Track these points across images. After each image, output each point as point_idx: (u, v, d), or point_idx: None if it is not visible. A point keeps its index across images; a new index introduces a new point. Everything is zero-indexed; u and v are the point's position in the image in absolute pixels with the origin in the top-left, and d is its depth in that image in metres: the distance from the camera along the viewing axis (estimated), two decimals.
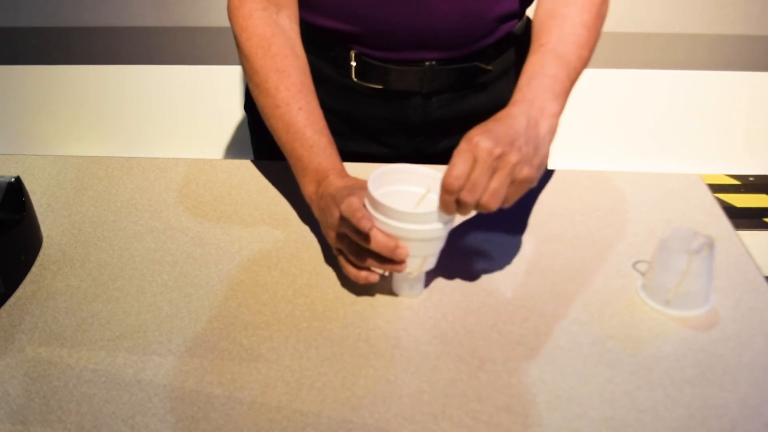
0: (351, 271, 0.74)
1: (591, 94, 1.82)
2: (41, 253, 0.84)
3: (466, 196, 0.67)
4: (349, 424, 0.63)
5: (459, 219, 0.73)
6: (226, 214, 0.91)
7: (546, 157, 0.73)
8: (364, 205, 0.71)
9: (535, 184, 0.71)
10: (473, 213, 0.72)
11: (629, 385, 0.67)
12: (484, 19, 0.94)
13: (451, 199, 0.68)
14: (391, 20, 0.92)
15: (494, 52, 0.99)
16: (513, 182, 0.69)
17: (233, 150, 1.93)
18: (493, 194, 0.68)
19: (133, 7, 1.75)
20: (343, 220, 0.72)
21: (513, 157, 0.68)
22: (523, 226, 0.88)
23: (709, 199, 0.94)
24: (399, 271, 0.72)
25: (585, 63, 0.84)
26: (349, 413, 0.64)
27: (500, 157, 0.68)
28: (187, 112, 1.89)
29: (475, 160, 0.67)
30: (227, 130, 1.92)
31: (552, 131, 0.75)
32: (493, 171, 0.68)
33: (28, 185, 0.95)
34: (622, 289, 0.78)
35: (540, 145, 0.72)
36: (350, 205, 0.70)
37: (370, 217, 0.69)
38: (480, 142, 0.67)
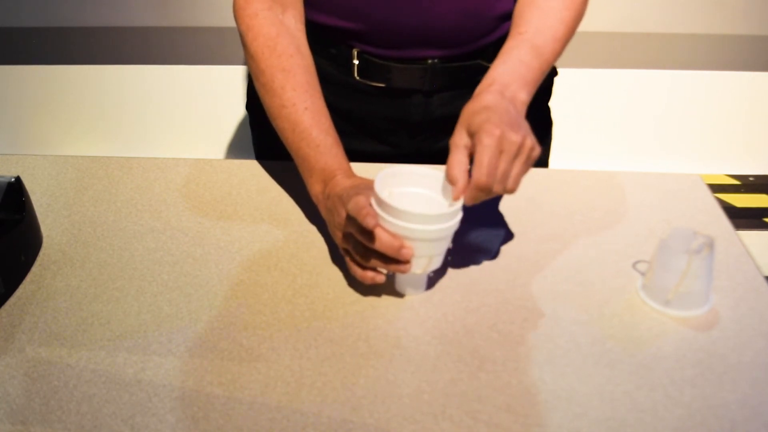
0: (357, 271, 0.74)
1: (591, 94, 1.82)
2: (41, 253, 0.84)
3: (498, 188, 0.71)
4: (349, 424, 0.63)
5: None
6: (226, 214, 0.91)
7: None
8: (371, 205, 0.71)
9: None
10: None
11: (629, 385, 0.67)
12: (484, 18, 0.94)
13: (483, 195, 0.71)
14: (394, 18, 0.92)
15: (496, 50, 0.99)
16: (527, 162, 0.73)
17: (234, 150, 1.93)
18: (517, 179, 0.72)
19: (133, 7, 1.75)
20: (350, 219, 0.72)
21: (529, 141, 0.72)
22: (523, 227, 0.88)
23: (709, 199, 0.94)
24: (404, 272, 0.72)
25: (557, 57, 0.87)
26: (349, 413, 0.64)
27: (522, 145, 0.71)
28: (187, 112, 1.89)
29: (501, 152, 0.70)
30: (228, 130, 1.92)
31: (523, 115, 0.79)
32: (515, 158, 0.71)
33: (28, 185, 0.95)
34: (622, 289, 0.78)
35: (528, 125, 0.76)
36: (357, 203, 0.70)
37: (376, 215, 0.69)
38: (506, 133, 0.70)
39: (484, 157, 0.69)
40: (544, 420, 0.63)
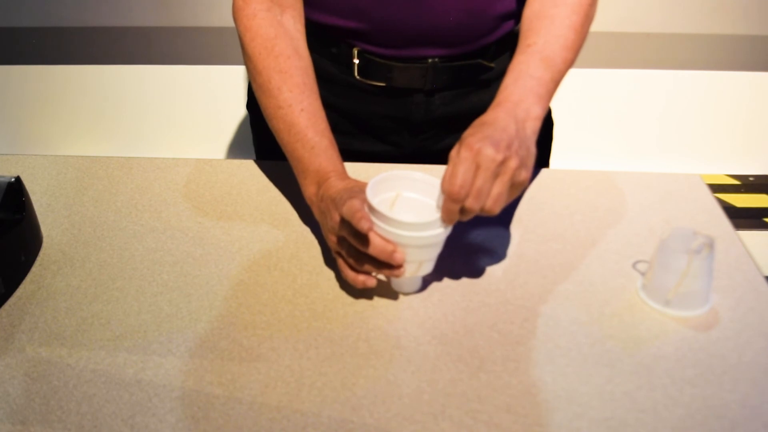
0: (349, 274, 0.75)
1: (591, 94, 1.82)
2: (41, 253, 0.84)
3: (472, 204, 0.69)
4: (349, 424, 0.63)
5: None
6: (226, 214, 0.91)
7: (534, 158, 0.74)
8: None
9: (527, 184, 0.73)
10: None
11: (629, 385, 0.67)
12: (485, 17, 0.94)
13: (456, 207, 0.69)
14: (394, 17, 0.92)
15: (497, 50, 0.99)
16: (512, 185, 0.71)
17: (235, 150, 1.94)
18: (497, 199, 0.70)
19: (133, 7, 1.75)
20: (343, 222, 0.72)
21: (513, 162, 0.69)
22: (523, 226, 0.88)
23: (709, 199, 0.94)
24: (396, 276, 0.72)
25: (570, 65, 0.85)
26: (349, 413, 0.64)
27: (502, 163, 0.69)
28: (187, 112, 1.89)
29: (477, 167, 0.68)
30: (228, 130, 1.92)
31: (536, 133, 0.77)
32: (495, 176, 0.69)
33: (28, 185, 0.95)
34: (622, 289, 0.78)
35: (530, 147, 0.74)
36: (351, 207, 0.70)
37: (370, 219, 0.70)
38: (483, 149, 0.68)
39: (458, 169, 0.68)
40: (544, 420, 0.63)
